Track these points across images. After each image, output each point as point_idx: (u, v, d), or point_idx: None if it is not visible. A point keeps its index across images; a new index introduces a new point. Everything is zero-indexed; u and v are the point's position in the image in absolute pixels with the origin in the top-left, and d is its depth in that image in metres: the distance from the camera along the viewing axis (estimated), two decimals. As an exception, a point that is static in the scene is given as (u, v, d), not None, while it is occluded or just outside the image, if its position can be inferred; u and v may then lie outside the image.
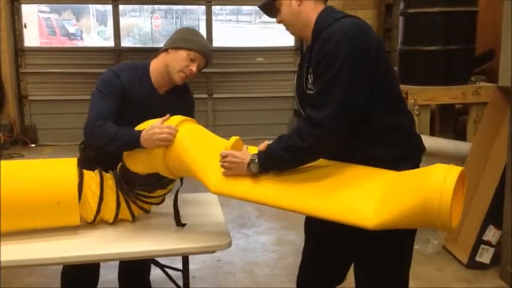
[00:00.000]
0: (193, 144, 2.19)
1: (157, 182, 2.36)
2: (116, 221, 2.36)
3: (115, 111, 2.37)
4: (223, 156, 2.01)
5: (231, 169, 2.00)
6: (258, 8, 2.17)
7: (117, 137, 2.24)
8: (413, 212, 1.64)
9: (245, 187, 1.96)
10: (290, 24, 2.09)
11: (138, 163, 2.29)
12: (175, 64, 2.44)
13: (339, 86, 1.83)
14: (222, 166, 2.02)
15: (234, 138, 2.05)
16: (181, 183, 2.43)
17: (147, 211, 2.45)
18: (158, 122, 2.22)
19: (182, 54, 2.43)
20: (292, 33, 2.17)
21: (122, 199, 2.35)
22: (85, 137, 2.39)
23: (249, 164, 1.96)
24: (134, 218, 2.40)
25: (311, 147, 1.89)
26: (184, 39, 2.47)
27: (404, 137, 1.98)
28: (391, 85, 1.99)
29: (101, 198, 2.30)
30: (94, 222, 2.32)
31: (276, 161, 1.95)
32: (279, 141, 1.95)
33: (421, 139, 2.06)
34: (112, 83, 2.43)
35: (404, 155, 1.96)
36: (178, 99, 2.56)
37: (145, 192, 2.36)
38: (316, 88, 1.91)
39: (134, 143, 2.22)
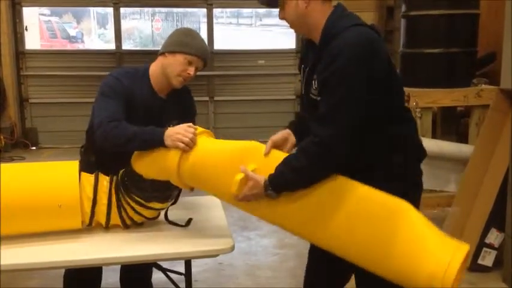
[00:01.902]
0: (212, 156, 2.12)
1: (160, 191, 2.31)
2: (109, 227, 2.33)
3: (124, 112, 2.34)
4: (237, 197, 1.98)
5: (250, 201, 1.99)
6: (260, 3, 2.10)
7: (138, 136, 2.20)
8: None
9: (264, 210, 2.01)
10: (295, 24, 2.06)
11: (149, 166, 2.24)
12: (172, 69, 2.42)
13: (347, 107, 1.83)
14: (241, 200, 1.99)
15: (236, 181, 1.95)
16: (175, 201, 2.43)
17: (137, 223, 2.37)
18: (184, 125, 2.18)
19: (179, 58, 2.41)
20: (297, 32, 2.15)
21: (113, 204, 2.31)
22: (98, 139, 2.29)
23: (266, 191, 1.93)
24: (126, 226, 2.35)
25: (318, 167, 1.88)
26: (180, 42, 2.43)
27: (406, 145, 2.00)
28: (399, 97, 2.00)
29: (94, 202, 2.27)
30: (91, 225, 2.31)
31: (287, 184, 1.92)
32: (287, 163, 1.92)
33: (423, 146, 2.08)
34: (116, 87, 2.40)
35: (403, 162, 1.96)
36: (180, 103, 2.55)
37: (142, 199, 2.30)
38: (324, 104, 1.89)
39: (157, 139, 2.17)
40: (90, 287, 2.75)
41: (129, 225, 2.36)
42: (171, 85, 2.48)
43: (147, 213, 2.36)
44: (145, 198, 2.30)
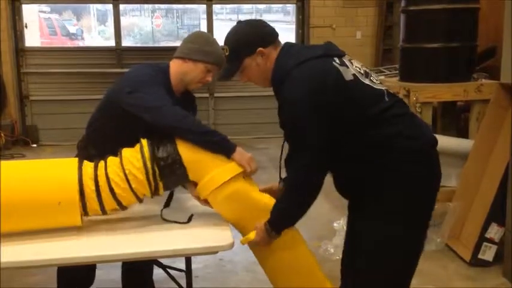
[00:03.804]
0: (250, 199, 2.27)
1: (168, 186, 2.32)
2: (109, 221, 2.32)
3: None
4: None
5: (260, 245, 2.25)
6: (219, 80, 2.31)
7: (213, 134, 2.25)
8: None
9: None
10: (261, 81, 2.21)
11: (198, 157, 2.23)
12: (193, 75, 2.51)
13: (304, 148, 1.99)
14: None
15: (249, 238, 2.25)
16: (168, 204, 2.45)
17: (139, 199, 2.30)
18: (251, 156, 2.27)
19: (200, 67, 2.49)
20: (264, 87, 2.24)
21: (103, 187, 2.21)
22: (163, 117, 2.27)
23: (269, 234, 2.16)
24: (122, 206, 2.27)
25: (297, 203, 2.10)
26: (203, 51, 2.49)
27: (389, 145, 2.01)
28: (361, 110, 2.01)
29: (81, 192, 2.17)
30: (88, 215, 2.25)
31: (282, 223, 2.17)
32: (275, 206, 2.16)
33: (417, 137, 2.05)
34: (154, 77, 2.44)
35: (390, 163, 2.00)
36: (188, 104, 2.61)
37: (157, 171, 2.21)
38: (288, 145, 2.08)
39: (228, 147, 2.24)
40: (83, 281, 2.77)
41: (126, 206, 2.29)
42: (187, 88, 2.58)
43: (142, 190, 2.26)
44: (160, 174, 2.22)
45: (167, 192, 2.47)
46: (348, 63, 2.07)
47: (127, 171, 2.20)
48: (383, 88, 2.10)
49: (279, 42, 2.17)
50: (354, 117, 1.99)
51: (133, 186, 2.22)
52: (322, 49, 2.10)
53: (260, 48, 2.11)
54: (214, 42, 2.58)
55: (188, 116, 2.29)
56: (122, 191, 2.22)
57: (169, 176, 2.24)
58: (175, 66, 2.54)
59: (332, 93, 1.96)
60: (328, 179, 2.13)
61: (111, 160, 2.27)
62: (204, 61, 2.49)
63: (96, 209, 2.23)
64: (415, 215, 2.07)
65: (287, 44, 2.17)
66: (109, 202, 2.23)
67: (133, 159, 2.22)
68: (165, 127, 2.26)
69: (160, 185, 2.25)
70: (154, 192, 2.28)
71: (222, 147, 2.24)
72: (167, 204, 2.48)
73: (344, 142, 2.01)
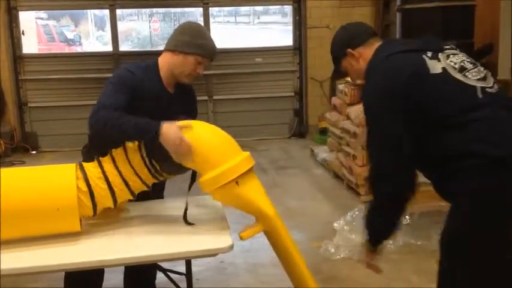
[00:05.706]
0: (254, 200, 2.35)
1: (175, 170, 2.32)
2: (108, 225, 2.33)
3: (126, 105, 2.35)
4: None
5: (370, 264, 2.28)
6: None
7: (132, 121, 2.21)
8: None
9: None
10: (357, 79, 2.29)
11: (204, 152, 2.23)
12: (184, 68, 2.50)
13: (376, 135, 2.04)
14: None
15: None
16: (194, 180, 2.39)
17: (148, 186, 2.37)
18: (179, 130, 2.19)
19: (191, 59, 2.48)
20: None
21: (117, 182, 2.27)
22: (95, 124, 2.29)
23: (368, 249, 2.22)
24: (134, 195, 2.34)
25: (384, 200, 2.07)
26: (193, 43, 2.48)
27: (452, 156, 1.94)
28: (440, 104, 1.96)
29: (91, 192, 2.22)
30: (96, 215, 2.28)
31: (377, 234, 2.18)
32: (366, 214, 2.17)
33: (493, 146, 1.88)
34: (127, 79, 2.44)
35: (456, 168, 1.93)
36: (184, 99, 2.63)
37: (158, 165, 2.28)
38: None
39: (151, 129, 2.17)
40: (91, 287, 2.76)
41: (136, 194, 2.35)
42: (179, 81, 2.56)
43: (159, 177, 2.35)
44: (161, 167, 2.29)
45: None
46: (442, 57, 2.05)
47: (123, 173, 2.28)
48: (478, 85, 2.00)
49: (375, 40, 2.22)
50: (431, 112, 1.96)
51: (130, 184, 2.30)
52: (416, 44, 2.15)
53: (348, 50, 2.21)
54: (206, 33, 2.57)
55: (105, 117, 2.25)
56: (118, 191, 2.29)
57: (165, 162, 2.26)
58: (166, 59, 2.54)
59: (407, 86, 1.97)
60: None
61: (106, 161, 2.31)
62: (195, 54, 2.48)
63: (107, 205, 2.28)
64: (492, 225, 1.92)
65: (384, 42, 2.23)
66: (121, 194, 2.29)
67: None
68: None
69: (164, 174, 2.33)
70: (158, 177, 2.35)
71: (148, 129, 2.19)
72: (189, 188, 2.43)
73: (420, 142, 1.99)
